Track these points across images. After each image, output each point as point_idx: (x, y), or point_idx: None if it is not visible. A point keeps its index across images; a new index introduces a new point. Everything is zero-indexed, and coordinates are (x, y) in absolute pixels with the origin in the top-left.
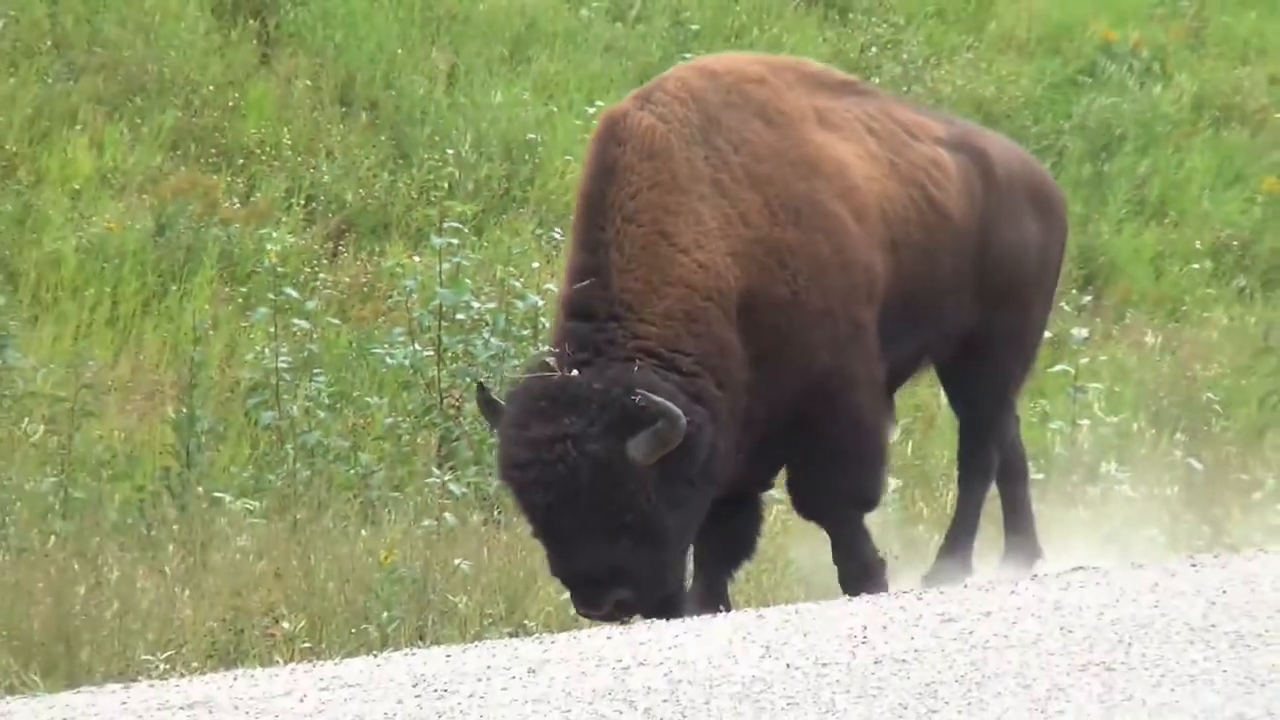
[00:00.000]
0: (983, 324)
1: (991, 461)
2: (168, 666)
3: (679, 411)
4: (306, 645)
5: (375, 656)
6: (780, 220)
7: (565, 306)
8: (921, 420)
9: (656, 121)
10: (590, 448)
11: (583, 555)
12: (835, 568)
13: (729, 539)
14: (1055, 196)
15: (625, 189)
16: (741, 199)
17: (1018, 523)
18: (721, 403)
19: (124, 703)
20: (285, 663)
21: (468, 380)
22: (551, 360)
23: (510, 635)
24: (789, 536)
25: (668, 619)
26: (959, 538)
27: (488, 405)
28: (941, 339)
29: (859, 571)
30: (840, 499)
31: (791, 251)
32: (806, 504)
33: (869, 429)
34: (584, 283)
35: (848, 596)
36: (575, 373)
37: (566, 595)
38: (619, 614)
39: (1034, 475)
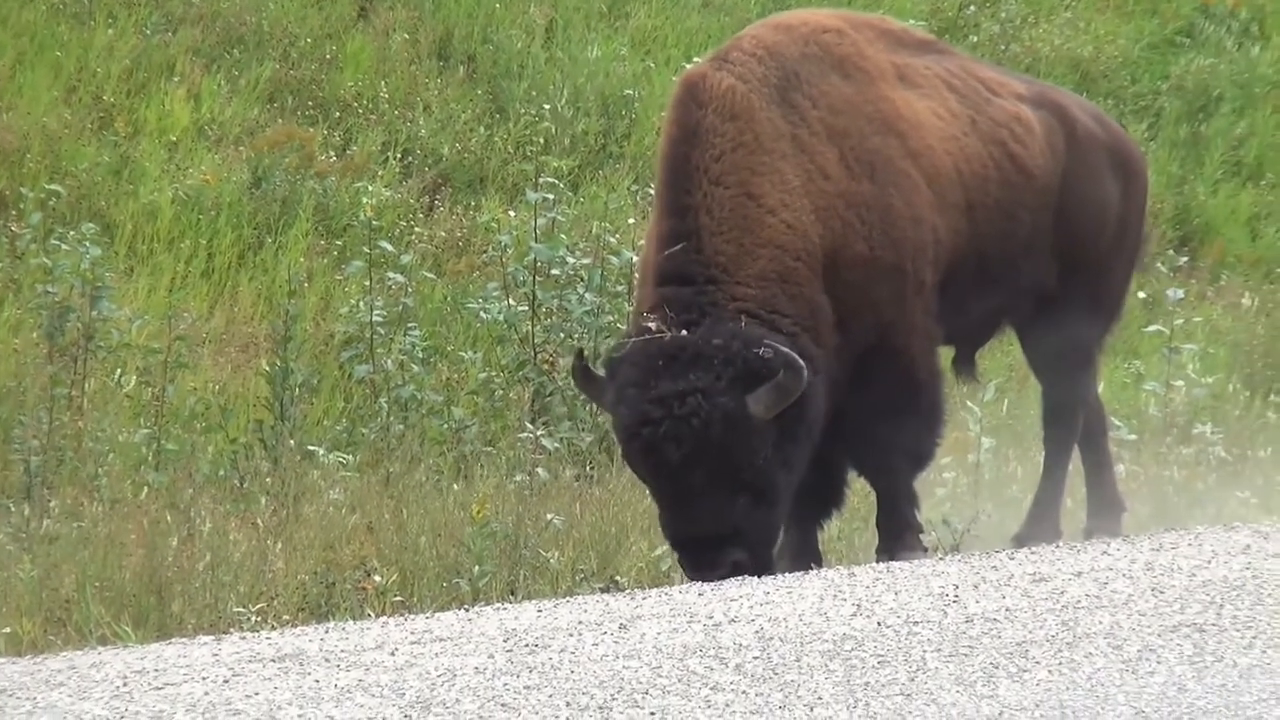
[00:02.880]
0: (1061, 284)
1: (1076, 422)
2: (259, 619)
3: (802, 361)
4: (398, 599)
5: (467, 611)
6: (856, 174)
7: (656, 273)
8: (1015, 379)
9: (736, 81)
10: (720, 400)
11: (707, 514)
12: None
13: (818, 489)
14: (1135, 156)
15: (710, 152)
16: (819, 152)
17: (1100, 477)
18: (821, 362)
19: (215, 654)
20: (376, 616)
21: (562, 336)
22: (654, 325)
23: (602, 590)
24: None
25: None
26: (1048, 498)
27: (584, 375)
28: (1019, 298)
29: (896, 531)
30: (892, 452)
31: (867, 206)
32: (858, 456)
33: (922, 383)
34: (674, 248)
35: (879, 557)
36: (685, 333)
37: (659, 553)
38: (733, 576)
39: (1128, 436)
